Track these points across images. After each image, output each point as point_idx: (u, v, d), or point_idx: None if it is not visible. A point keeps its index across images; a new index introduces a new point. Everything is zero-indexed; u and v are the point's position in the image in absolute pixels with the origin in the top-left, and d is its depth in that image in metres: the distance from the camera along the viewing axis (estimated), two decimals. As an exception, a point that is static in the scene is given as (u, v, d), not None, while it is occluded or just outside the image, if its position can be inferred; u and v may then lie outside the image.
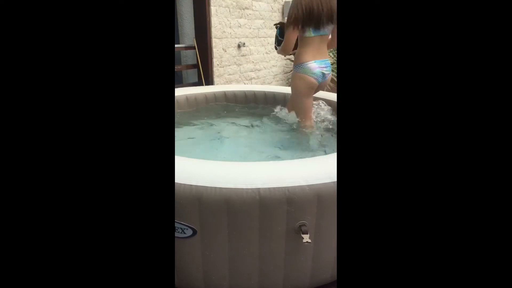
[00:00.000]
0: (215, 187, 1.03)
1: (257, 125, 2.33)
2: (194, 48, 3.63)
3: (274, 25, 2.34)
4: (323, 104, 2.29)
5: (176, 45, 3.58)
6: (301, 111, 2.05)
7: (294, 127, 2.10)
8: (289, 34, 1.88)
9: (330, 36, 1.97)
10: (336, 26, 1.89)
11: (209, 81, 3.70)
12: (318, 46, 1.91)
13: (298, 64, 1.93)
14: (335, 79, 4.72)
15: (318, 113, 2.22)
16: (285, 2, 4.42)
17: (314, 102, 2.18)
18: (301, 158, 1.28)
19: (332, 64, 5.31)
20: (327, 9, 1.82)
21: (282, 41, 2.02)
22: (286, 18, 1.91)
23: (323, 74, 1.96)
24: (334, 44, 2.04)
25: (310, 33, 1.86)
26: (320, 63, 1.93)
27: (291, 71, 5.18)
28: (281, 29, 2.20)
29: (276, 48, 2.31)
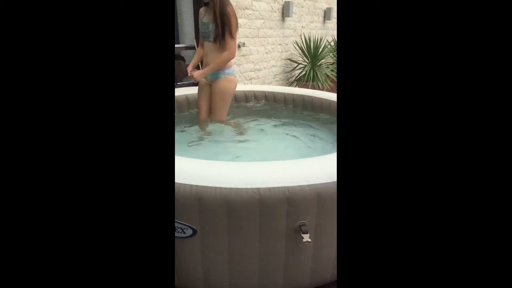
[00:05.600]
0: (215, 187, 1.03)
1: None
2: (194, 48, 3.63)
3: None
4: None
5: (176, 45, 3.58)
6: (226, 111, 2.25)
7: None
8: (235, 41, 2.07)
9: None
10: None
11: (209, 81, 3.69)
12: None
13: (229, 67, 2.16)
14: (335, 79, 4.72)
15: None
16: (285, 2, 4.41)
17: None
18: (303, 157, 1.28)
19: (332, 64, 5.28)
20: None
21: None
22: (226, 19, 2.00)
23: None
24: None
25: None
26: None
27: (291, 71, 5.11)
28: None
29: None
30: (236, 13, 2.02)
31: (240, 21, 3.79)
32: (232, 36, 2.01)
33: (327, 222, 1.13)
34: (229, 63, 2.15)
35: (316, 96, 2.70)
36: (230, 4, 2.00)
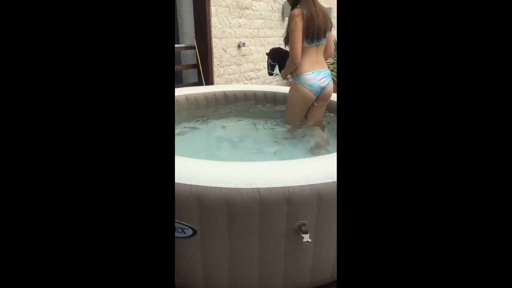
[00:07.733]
0: (215, 187, 1.03)
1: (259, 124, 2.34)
2: (194, 48, 3.63)
3: (266, 54, 2.29)
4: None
5: (176, 45, 3.57)
6: (291, 120, 2.13)
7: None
8: (297, 43, 1.84)
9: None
10: (330, 34, 1.96)
11: (209, 81, 3.70)
12: (315, 56, 1.94)
13: (296, 75, 1.94)
14: (335, 79, 4.71)
15: None
16: (285, 2, 4.42)
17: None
18: (302, 157, 1.28)
19: (332, 64, 5.28)
20: (324, 19, 1.87)
21: (275, 65, 2.16)
22: (287, 27, 1.91)
23: (320, 85, 1.97)
24: (330, 51, 2.05)
25: (306, 43, 1.88)
26: (318, 74, 1.94)
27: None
28: (275, 53, 2.21)
29: (271, 74, 2.29)
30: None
31: (240, 21, 3.80)
32: None
33: (327, 222, 1.13)
34: (298, 69, 1.93)
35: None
36: None
